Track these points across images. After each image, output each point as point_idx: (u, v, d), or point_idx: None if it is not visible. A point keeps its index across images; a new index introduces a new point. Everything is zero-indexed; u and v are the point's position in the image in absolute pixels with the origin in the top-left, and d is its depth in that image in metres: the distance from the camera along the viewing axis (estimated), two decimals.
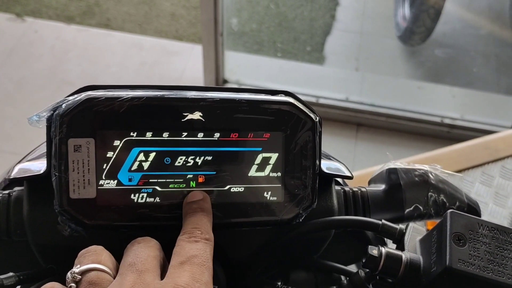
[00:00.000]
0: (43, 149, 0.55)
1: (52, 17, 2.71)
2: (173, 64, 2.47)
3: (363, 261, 0.46)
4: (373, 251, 0.46)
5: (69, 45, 2.50)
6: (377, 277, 0.47)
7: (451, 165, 1.27)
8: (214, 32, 2.00)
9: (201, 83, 2.26)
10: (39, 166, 0.50)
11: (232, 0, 2.69)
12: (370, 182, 0.62)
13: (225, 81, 2.25)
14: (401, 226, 0.50)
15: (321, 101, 2.25)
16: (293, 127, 0.49)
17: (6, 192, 0.51)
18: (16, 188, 0.52)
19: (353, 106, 2.23)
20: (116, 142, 0.47)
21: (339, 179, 0.61)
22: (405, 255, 0.45)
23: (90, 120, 0.46)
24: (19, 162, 0.53)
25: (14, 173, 0.50)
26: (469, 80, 2.61)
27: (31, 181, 0.50)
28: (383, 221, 0.51)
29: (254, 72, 2.46)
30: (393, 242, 0.51)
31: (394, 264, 0.45)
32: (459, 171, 1.30)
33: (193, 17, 2.84)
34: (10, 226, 0.50)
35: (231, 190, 0.49)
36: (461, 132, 2.18)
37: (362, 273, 0.49)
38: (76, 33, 2.58)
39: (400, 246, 0.48)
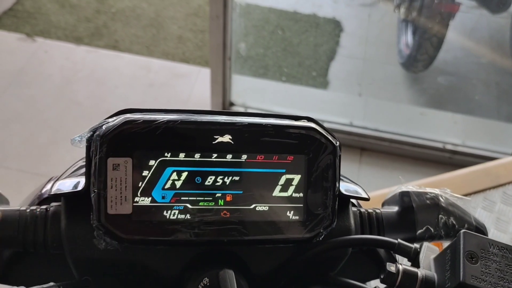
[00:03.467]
0: (78, 167, 0.59)
1: (61, 38, 2.76)
2: (180, 86, 2.52)
3: (382, 277, 0.49)
4: (391, 267, 0.49)
5: (78, 65, 2.55)
6: None
7: (453, 191, 1.30)
8: (223, 56, 2.04)
9: (208, 106, 2.30)
10: (77, 183, 0.53)
11: (240, 25, 2.75)
12: (383, 204, 0.65)
13: (232, 104, 2.29)
14: (416, 245, 0.54)
15: (325, 125, 2.24)
16: (315, 151, 0.53)
17: (44, 207, 0.54)
18: (53, 204, 0.55)
19: (357, 131, 2.27)
20: (152, 162, 0.50)
21: (354, 201, 0.64)
22: (420, 272, 0.49)
23: (128, 141, 0.50)
24: (57, 179, 0.56)
25: (54, 190, 0.53)
26: (471, 107, 2.66)
27: (68, 197, 0.53)
28: (399, 240, 0.54)
29: (260, 96, 2.51)
30: (408, 260, 0.54)
31: (411, 280, 0.48)
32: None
33: (200, 40, 2.90)
34: (47, 239, 0.53)
35: (257, 208, 0.53)
36: (462, 158, 2.22)
37: None
38: (85, 54, 2.63)
39: (415, 264, 0.52)
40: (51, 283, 0.50)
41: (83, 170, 0.57)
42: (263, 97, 2.51)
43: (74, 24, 2.87)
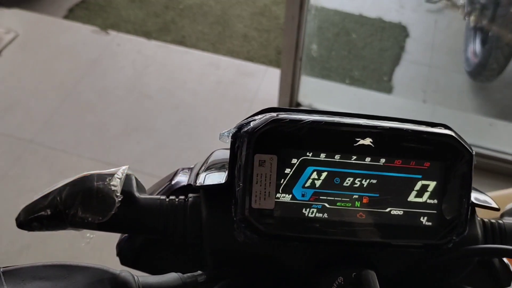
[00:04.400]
0: (214, 160, 0.61)
1: (130, 32, 2.83)
2: (247, 84, 2.54)
3: None
4: None
5: (149, 59, 2.61)
6: None
7: None
8: (294, 56, 2.05)
9: (275, 105, 2.32)
10: (215, 176, 0.55)
11: (313, 26, 2.75)
12: (503, 215, 0.65)
13: (298, 104, 2.30)
14: None
15: None
16: (453, 158, 0.53)
17: (182, 197, 0.57)
18: (191, 195, 0.57)
19: None
20: (294, 160, 0.52)
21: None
22: None
23: (274, 138, 0.51)
24: (198, 172, 0.58)
25: (199, 181, 0.55)
26: None
27: (208, 189, 0.55)
28: None
29: (326, 97, 2.51)
30: None
31: None
32: None
33: (265, 39, 2.92)
34: (186, 229, 0.55)
35: (392, 212, 0.53)
36: None
37: None
38: (156, 48, 2.69)
39: None
40: (200, 272, 0.52)
41: (219, 164, 0.59)
42: (328, 99, 2.51)
43: (143, 19, 2.93)
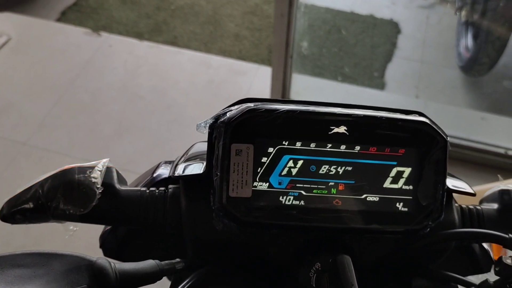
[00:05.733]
0: (192, 152, 0.62)
1: (122, 33, 2.84)
2: (239, 83, 2.55)
3: (497, 269, 0.50)
4: (507, 260, 0.50)
5: (141, 60, 2.62)
6: (508, 285, 0.51)
7: None
8: (285, 54, 2.06)
9: None
10: (193, 167, 0.56)
11: (303, 24, 2.76)
12: (482, 202, 0.66)
13: None
14: None
15: None
16: (427, 145, 0.54)
17: (162, 189, 0.58)
18: (171, 186, 0.58)
19: None
20: (270, 149, 0.53)
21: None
22: None
23: (250, 128, 0.52)
24: (176, 163, 0.59)
25: (177, 172, 0.56)
26: None
27: (187, 180, 0.56)
28: (510, 235, 0.55)
29: (318, 95, 2.52)
30: None
31: None
32: None
33: (256, 38, 2.93)
34: (166, 218, 0.56)
35: (367, 199, 0.54)
36: None
37: (490, 281, 0.53)
38: (148, 49, 2.69)
39: None
40: (178, 259, 0.53)
41: (199, 155, 0.60)
42: (320, 96, 2.52)
43: (135, 20, 2.94)
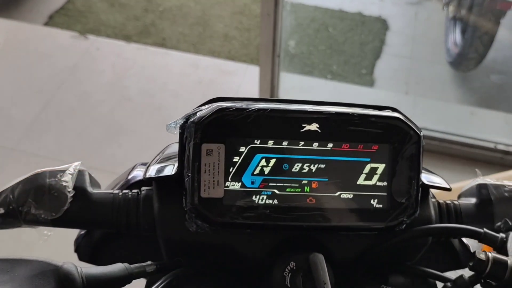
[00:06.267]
0: (166, 153, 0.61)
1: (111, 36, 2.83)
2: (228, 83, 2.55)
3: (470, 264, 0.49)
4: (480, 255, 0.49)
5: (129, 62, 2.61)
6: (482, 280, 0.50)
7: None
8: (272, 53, 2.06)
9: None
10: (166, 168, 0.56)
11: (290, 23, 2.76)
12: (460, 196, 0.65)
13: None
14: (502, 234, 0.54)
15: None
16: (400, 140, 0.54)
17: (135, 191, 0.57)
18: (144, 188, 0.57)
19: None
20: (242, 148, 0.52)
21: (431, 192, 0.64)
22: (510, 260, 0.49)
23: (221, 127, 0.51)
24: (149, 165, 0.59)
25: (149, 174, 0.55)
26: None
27: (160, 181, 0.55)
28: (485, 229, 0.54)
29: (307, 93, 2.52)
30: (494, 249, 0.54)
31: (500, 268, 0.49)
32: None
33: (245, 38, 2.92)
34: (139, 221, 0.55)
35: (341, 196, 0.54)
36: None
37: (465, 277, 0.52)
38: (136, 51, 2.68)
39: (502, 253, 0.52)
40: (149, 262, 0.52)
41: (172, 156, 0.59)
42: (309, 95, 2.52)
43: (123, 23, 2.93)
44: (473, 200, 0.63)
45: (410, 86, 2.70)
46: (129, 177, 0.63)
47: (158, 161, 0.59)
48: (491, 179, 0.64)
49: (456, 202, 0.62)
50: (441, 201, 0.62)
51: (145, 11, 3.02)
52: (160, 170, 0.56)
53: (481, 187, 0.63)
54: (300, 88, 2.50)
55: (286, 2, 2.18)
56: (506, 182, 0.63)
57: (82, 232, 0.64)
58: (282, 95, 2.31)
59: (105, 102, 2.41)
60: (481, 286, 0.51)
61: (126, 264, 0.51)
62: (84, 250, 0.63)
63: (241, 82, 2.56)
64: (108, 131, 2.29)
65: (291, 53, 2.77)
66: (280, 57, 2.13)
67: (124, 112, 2.37)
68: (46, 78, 2.51)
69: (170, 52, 2.71)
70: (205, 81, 2.54)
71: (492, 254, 0.49)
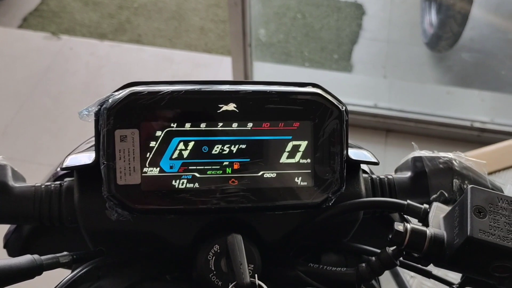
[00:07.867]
0: (91, 142, 0.60)
1: (86, 35, 2.81)
2: (203, 76, 2.54)
3: (390, 237, 0.49)
4: (399, 226, 0.48)
5: (103, 60, 2.59)
6: (403, 252, 0.50)
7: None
8: (243, 43, 2.05)
9: None
10: (88, 157, 0.55)
11: (260, 12, 2.74)
12: (396, 171, 0.65)
13: None
14: (426, 205, 0.53)
15: (350, 108, 2.26)
16: (321, 116, 0.53)
17: (58, 182, 0.56)
18: (67, 179, 0.56)
19: (382, 112, 2.25)
20: (158, 133, 0.51)
21: (367, 169, 0.64)
22: (429, 231, 0.48)
23: (134, 112, 0.51)
24: (69, 154, 0.58)
25: (65, 164, 0.54)
26: (498, 84, 2.60)
27: (81, 171, 0.54)
28: (408, 201, 0.54)
29: None
30: (419, 221, 0.53)
31: (419, 239, 0.48)
32: (490, 173, 1.30)
33: (222, 30, 2.91)
34: (62, 213, 0.54)
35: (264, 176, 0.53)
36: (491, 135, 2.17)
37: (389, 250, 0.52)
38: (109, 49, 2.66)
39: (425, 224, 0.51)
40: (65, 252, 0.52)
41: (93, 144, 0.58)
42: None
43: (98, 21, 2.91)
44: (408, 174, 0.62)
45: (388, 69, 2.69)
46: (58, 169, 0.62)
47: (80, 150, 0.58)
48: (427, 151, 0.63)
49: (390, 177, 0.61)
50: (374, 176, 0.61)
51: (120, 8, 3.00)
52: (80, 159, 0.55)
53: (416, 159, 0.62)
54: (275, 77, 2.49)
55: None
56: (441, 154, 0.63)
57: (12, 227, 0.63)
58: None
59: (80, 101, 2.39)
60: (404, 259, 0.50)
61: (36, 256, 0.50)
62: (13, 246, 0.62)
63: (216, 74, 2.55)
64: (84, 130, 2.27)
65: (266, 42, 2.76)
66: (252, 47, 2.12)
67: None
68: (20, 81, 2.49)
69: (144, 48, 2.70)
70: (179, 75, 2.53)
71: (410, 225, 0.49)
